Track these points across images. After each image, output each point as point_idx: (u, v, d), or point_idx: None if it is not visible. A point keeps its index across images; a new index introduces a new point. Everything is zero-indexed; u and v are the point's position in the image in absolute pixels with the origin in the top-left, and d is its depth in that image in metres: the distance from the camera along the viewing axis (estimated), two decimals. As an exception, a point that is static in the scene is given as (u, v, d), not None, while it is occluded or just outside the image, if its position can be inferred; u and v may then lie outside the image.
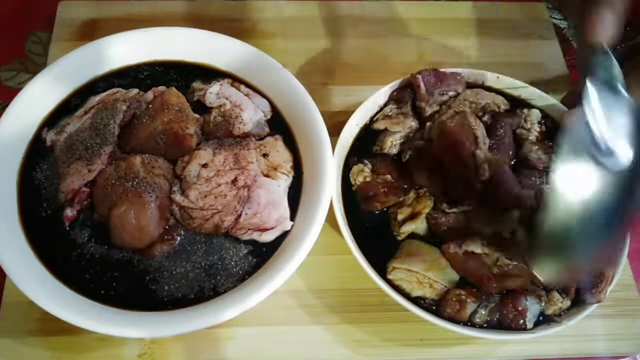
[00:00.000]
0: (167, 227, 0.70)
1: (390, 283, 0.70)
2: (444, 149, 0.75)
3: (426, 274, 0.69)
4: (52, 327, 0.69)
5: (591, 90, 0.53)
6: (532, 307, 0.69)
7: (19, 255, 0.65)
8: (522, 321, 0.68)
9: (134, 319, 0.63)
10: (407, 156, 0.78)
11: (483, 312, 0.69)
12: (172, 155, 0.73)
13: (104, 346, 0.70)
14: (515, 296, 0.69)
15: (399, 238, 0.74)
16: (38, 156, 0.73)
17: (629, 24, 1.05)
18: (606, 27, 0.53)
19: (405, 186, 0.76)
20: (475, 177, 0.72)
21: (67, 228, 0.69)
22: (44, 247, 0.67)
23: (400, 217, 0.74)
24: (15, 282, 0.61)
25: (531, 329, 0.69)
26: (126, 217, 0.66)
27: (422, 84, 0.82)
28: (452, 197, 0.74)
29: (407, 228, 0.73)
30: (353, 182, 0.77)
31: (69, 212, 0.69)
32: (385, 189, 0.75)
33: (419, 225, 0.74)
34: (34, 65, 0.94)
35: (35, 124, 0.74)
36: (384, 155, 0.80)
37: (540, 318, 0.70)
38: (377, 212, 0.76)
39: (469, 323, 0.69)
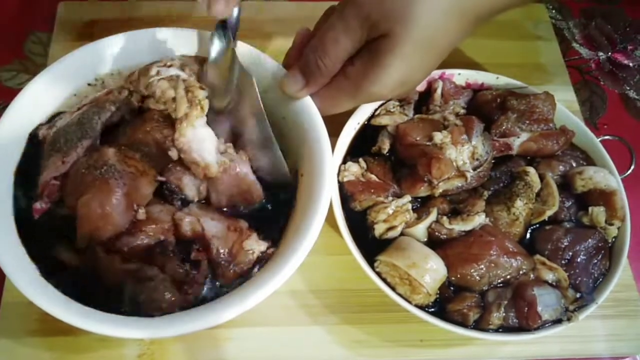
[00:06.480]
0: (135, 220, 0.65)
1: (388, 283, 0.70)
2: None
3: (408, 270, 0.68)
4: (52, 328, 0.69)
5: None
6: (541, 299, 0.68)
7: (17, 255, 0.65)
8: (533, 314, 0.67)
9: (134, 320, 0.63)
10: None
11: (499, 314, 0.68)
12: (159, 164, 0.69)
13: (103, 347, 0.70)
14: (523, 288, 0.69)
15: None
16: (36, 156, 0.73)
17: (630, 24, 1.06)
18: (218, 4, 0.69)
19: (392, 189, 0.75)
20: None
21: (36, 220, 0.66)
22: (35, 246, 0.66)
23: (377, 233, 0.73)
24: (14, 282, 0.61)
25: (547, 323, 0.68)
26: (90, 205, 0.62)
27: (439, 90, 0.82)
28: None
29: (390, 235, 0.73)
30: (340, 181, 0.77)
31: (39, 205, 0.67)
32: (361, 188, 0.75)
33: (420, 231, 0.73)
34: (34, 66, 0.94)
35: (35, 125, 0.74)
36: (382, 156, 0.79)
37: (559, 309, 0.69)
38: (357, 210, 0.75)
39: (490, 328, 0.68)
